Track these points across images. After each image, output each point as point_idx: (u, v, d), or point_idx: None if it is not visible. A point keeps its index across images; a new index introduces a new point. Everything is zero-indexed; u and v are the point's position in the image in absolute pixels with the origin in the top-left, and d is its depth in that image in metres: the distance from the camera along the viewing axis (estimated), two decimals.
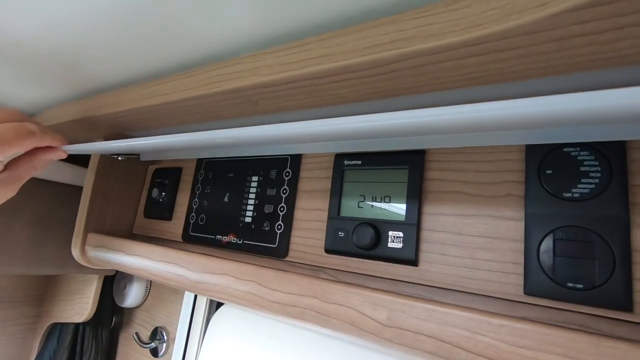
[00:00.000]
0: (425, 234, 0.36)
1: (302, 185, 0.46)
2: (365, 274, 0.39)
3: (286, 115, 0.39)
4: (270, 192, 0.48)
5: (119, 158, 0.61)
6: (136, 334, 0.82)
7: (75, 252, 0.59)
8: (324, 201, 0.43)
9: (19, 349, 0.81)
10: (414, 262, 0.35)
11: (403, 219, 0.36)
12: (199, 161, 0.58)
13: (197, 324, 0.73)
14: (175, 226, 0.59)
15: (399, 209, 0.37)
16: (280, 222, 0.46)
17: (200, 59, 0.38)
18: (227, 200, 0.52)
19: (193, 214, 0.56)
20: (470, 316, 0.25)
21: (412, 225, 0.36)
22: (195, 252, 0.44)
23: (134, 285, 0.85)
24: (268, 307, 0.36)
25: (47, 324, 0.84)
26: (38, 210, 0.66)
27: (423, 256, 0.35)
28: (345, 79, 0.28)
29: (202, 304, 0.74)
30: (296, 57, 0.29)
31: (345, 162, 0.42)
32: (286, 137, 0.35)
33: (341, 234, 0.40)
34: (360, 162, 0.41)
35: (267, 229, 0.47)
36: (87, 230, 0.59)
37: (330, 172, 0.43)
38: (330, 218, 0.41)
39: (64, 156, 0.48)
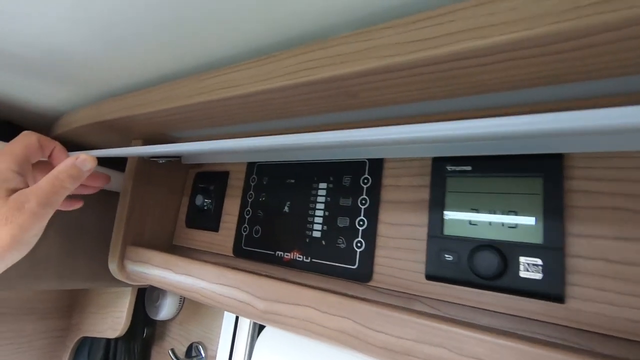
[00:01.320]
0: (573, 262, 0.28)
1: (387, 194, 0.38)
2: (483, 309, 0.31)
3: (387, 110, 0.31)
4: (345, 202, 0.41)
5: (160, 161, 0.55)
6: (172, 350, 0.76)
7: (113, 267, 0.53)
8: (419, 215, 0.35)
9: None
10: (559, 298, 0.27)
11: (540, 241, 0.29)
12: (250, 165, 0.51)
13: (240, 343, 0.66)
14: (224, 238, 0.52)
15: (532, 228, 0.29)
16: (360, 239, 0.38)
17: (286, 40, 0.30)
18: (287, 211, 0.45)
19: (245, 225, 0.49)
20: None
21: (556, 250, 0.28)
22: (261, 275, 0.37)
23: (168, 297, 0.79)
24: (370, 351, 0.28)
25: (77, 338, 0.78)
26: (68, 218, 0.60)
27: (571, 290, 0.27)
28: (507, 59, 0.21)
29: (246, 322, 0.67)
30: (432, 31, 0.22)
31: (449, 168, 0.34)
32: (358, 144, 0.27)
33: (449, 257, 0.32)
34: (469, 167, 0.33)
35: (342, 246, 0.39)
36: (126, 242, 0.53)
37: (425, 180, 0.36)
38: (431, 237, 0.34)
39: (92, 162, 0.41)
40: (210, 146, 0.36)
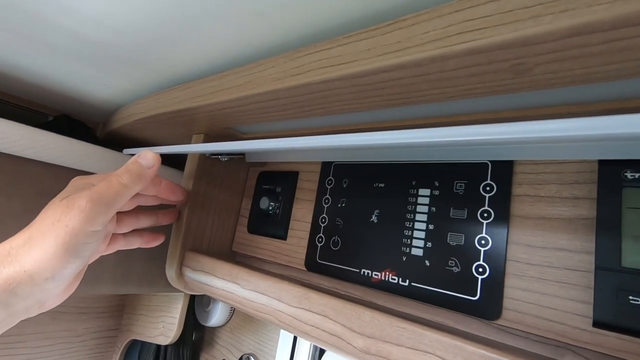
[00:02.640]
0: None
1: (521, 207, 0.29)
2: None
3: (556, 94, 0.23)
4: (457, 214, 0.32)
5: (222, 159, 0.49)
6: None
7: (171, 273, 0.48)
8: (575, 237, 0.26)
9: None
10: None
11: None
12: (326, 165, 0.44)
13: None
14: (293, 248, 0.45)
15: None
16: (482, 263, 0.30)
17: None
18: (376, 221, 0.38)
19: (321, 234, 0.42)
20: None
21: None
22: (360, 303, 0.29)
23: (220, 303, 0.74)
24: None
25: (127, 340, 0.76)
26: None
27: None
28: None
29: (306, 343, 0.61)
30: None
31: (628, 175, 0.25)
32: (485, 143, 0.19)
33: (636, 300, 0.23)
34: None
35: (455, 270, 0.31)
36: (185, 247, 0.48)
37: (585, 190, 0.27)
38: (600, 269, 0.25)
39: (154, 159, 0.37)
40: (296, 143, 0.29)
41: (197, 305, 0.79)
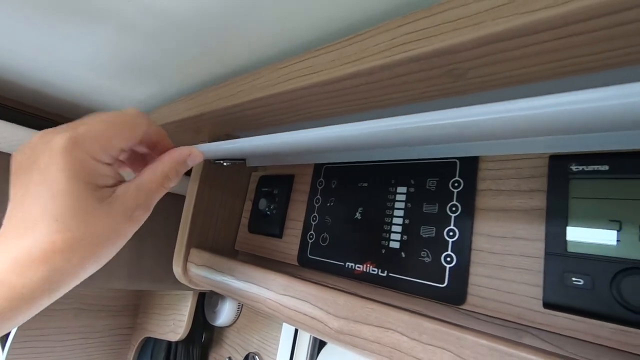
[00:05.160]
0: None
1: (484, 201, 0.32)
2: (632, 353, 0.23)
3: (500, 95, 0.26)
4: (429, 208, 0.35)
5: (224, 164, 0.54)
6: (229, 358, 0.74)
7: (177, 270, 0.52)
8: (531, 226, 0.29)
9: None
10: None
11: None
12: (317, 167, 0.48)
13: (299, 358, 0.62)
14: (288, 245, 0.49)
15: None
16: (450, 253, 0.32)
17: (381, 14, 0.26)
18: (360, 218, 0.41)
19: (312, 232, 0.46)
20: None
21: None
22: (335, 289, 0.32)
23: (227, 303, 0.78)
24: None
25: (141, 338, 0.80)
26: None
27: None
28: None
29: (306, 336, 0.63)
30: None
31: (574, 168, 0.27)
32: (456, 134, 0.22)
33: (578, 281, 0.25)
34: (607, 167, 0.26)
35: (427, 260, 0.34)
36: (190, 245, 0.52)
37: (539, 183, 0.29)
38: (549, 254, 0.27)
39: (201, 159, 0.35)
40: (271, 140, 0.33)
41: (206, 306, 0.83)
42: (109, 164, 0.28)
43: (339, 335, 0.31)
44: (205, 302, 0.83)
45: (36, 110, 0.67)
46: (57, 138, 0.25)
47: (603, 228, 0.25)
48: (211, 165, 0.54)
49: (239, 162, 0.55)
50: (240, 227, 0.58)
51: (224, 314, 0.78)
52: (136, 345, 0.81)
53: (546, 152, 0.29)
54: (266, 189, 0.54)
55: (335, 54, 0.27)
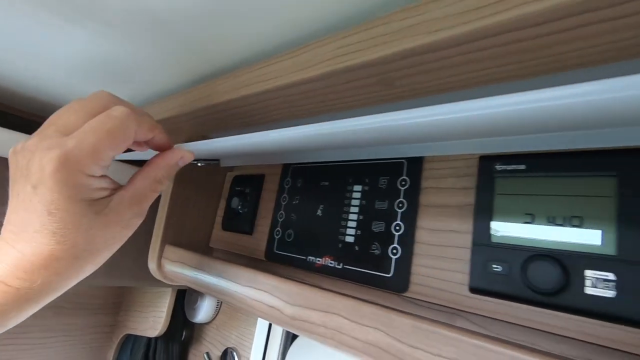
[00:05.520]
0: None
1: (427, 197, 0.35)
2: (541, 330, 0.27)
3: (429, 101, 0.29)
4: (380, 205, 0.38)
5: (199, 164, 0.56)
6: (207, 353, 0.76)
7: (152, 266, 0.54)
8: (464, 220, 0.32)
9: (94, 358, 0.79)
10: (638, 322, 0.23)
11: (613, 252, 0.24)
12: (285, 167, 0.51)
13: (272, 351, 0.65)
14: (257, 242, 0.51)
15: (601, 237, 0.25)
16: (395, 245, 0.35)
17: (325, 27, 0.29)
18: (321, 214, 0.44)
19: (278, 228, 0.48)
20: None
21: (633, 264, 0.23)
22: (292, 280, 0.35)
23: (206, 300, 0.80)
24: None
25: (122, 335, 0.82)
26: None
27: None
28: (583, 24, 0.18)
29: (279, 330, 0.66)
30: None
31: (498, 167, 0.30)
32: (400, 134, 0.25)
33: (497, 267, 0.28)
34: (524, 166, 0.29)
35: (376, 252, 0.37)
36: (165, 242, 0.54)
37: (471, 181, 0.32)
38: (476, 244, 0.30)
39: (192, 158, 0.36)
40: (246, 139, 0.36)
41: (186, 303, 0.85)
42: (102, 176, 0.28)
43: (292, 321, 0.33)
44: (186, 299, 0.85)
45: (12, 110, 0.69)
46: (47, 157, 0.24)
47: (519, 221, 0.28)
48: (186, 165, 0.57)
49: (213, 163, 0.57)
50: (215, 225, 0.60)
51: (203, 311, 0.80)
52: (117, 343, 0.82)
53: (477, 153, 0.32)
54: (239, 188, 0.57)
55: (291, 61, 0.30)
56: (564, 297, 0.25)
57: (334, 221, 0.42)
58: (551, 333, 0.26)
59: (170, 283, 0.56)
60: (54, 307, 0.76)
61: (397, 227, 0.36)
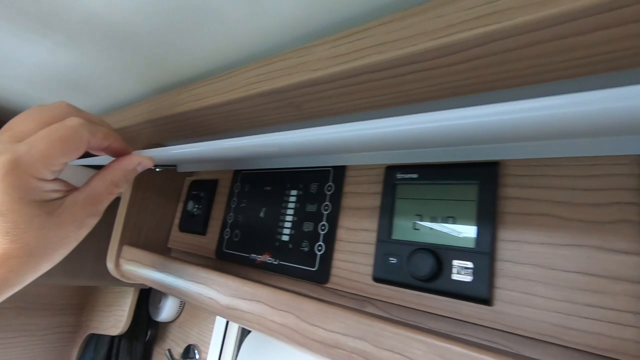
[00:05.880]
0: (502, 266, 0.29)
1: (347, 201, 0.40)
2: (424, 311, 0.32)
3: (336, 121, 0.34)
4: (311, 208, 0.43)
5: (156, 169, 0.60)
6: (168, 350, 0.79)
7: (110, 265, 0.57)
8: (373, 221, 0.37)
9: (57, 358, 0.81)
10: (487, 301, 0.28)
11: (472, 245, 0.30)
12: (236, 173, 0.55)
13: (229, 346, 0.69)
14: (210, 241, 0.55)
15: (466, 233, 0.30)
16: (320, 243, 0.41)
17: (244, 57, 0.34)
18: (263, 216, 0.48)
19: (227, 229, 0.53)
20: None
21: (484, 255, 0.29)
22: (228, 274, 0.39)
23: (169, 299, 0.83)
24: (307, 345, 0.30)
25: (85, 334, 0.84)
26: None
27: (500, 294, 0.28)
28: (413, 70, 0.23)
29: (235, 326, 0.70)
30: (352, 46, 0.24)
31: (398, 176, 0.36)
32: (323, 145, 0.30)
33: (393, 260, 0.34)
34: (416, 175, 0.35)
35: (306, 249, 0.42)
36: (123, 242, 0.58)
37: (379, 187, 0.38)
38: (379, 241, 0.35)
39: (152, 164, 0.39)
40: (199, 147, 0.40)
41: (150, 303, 0.88)
42: (53, 179, 0.29)
43: (226, 310, 0.38)
44: (150, 299, 0.88)
45: None
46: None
47: (411, 220, 0.34)
48: (145, 171, 0.60)
49: (170, 168, 0.61)
50: (173, 227, 0.64)
51: (166, 310, 0.83)
52: (80, 342, 0.84)
53: (384, 163, 0.38)
54: (195, 192, 0.61)
55: (216, 85, 0.35)
56: (438, 282, 0.31)
57: (273, 222, 0.46)
58: (431, 313, 0.31)
59: (128, 281, 0.59)
60: (16, 308, 0.78)
61: (323, 227, 0.41)
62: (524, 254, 0.28)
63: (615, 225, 0.25)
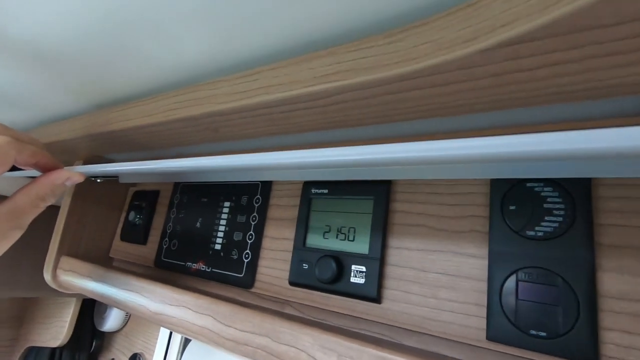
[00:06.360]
0: (389, 270, 0.34)
1: (272, 212, 0.44)
2: (329, 310, 0.37)
3: (251, 142, 0.38)
4: (241, 219, 0.47)
5: (97, 180, 0.61)
6: (112, 359, 0.79)
7: (47, 276, 0.58)
8: (292, 230, 0.41)
9: None
10: (376, 300, 0.33)
11: (367, 252, 0.35)
12: (176, 185, 0.58)
13: (172, 354, 0.70)
14: (150, 251, 0.57)
15: (363, 241, 0.35)
16: (248, 251, 0.44)
17: (164, 85, 0.37)
18: (199, 226, 0.51)
19: (166, 238, 0.55)
20: None
21: (375, 260, 0.34)
22: (157, 282, 0.42)
23: (114, 309, 0.83)
24: (223, 344, 0.34)
25: (24, 348, 0.81)
26: None
27: (386, 293, 0.33)
28: (297, 108, 0.28)
29: (177, 335, 0.71)
30: (248, 85, 0.29)
31: (313, 191, 0.40)
32: (251, 167, 0.34)
33: (305, 265, 0.38)
34: (327, 190, 0.39)
35: (235, 257, 0.45)
36: (60, 253, 0.58)
37: (297, 200, 0.42)
38: (295, 248, 0.40)
39: (81, 179, 0.40)
40: (132, 166, 0.42)
41: (95, 313, 0.87)
42: None
43: (155, 315, 0.40)
44: (95, 309, 0.87)
45: None
46: None
47: (321, 230, 0.38)
48: (85, 181, 0.61)
49: (112, 179, 0.63)
50: (115, 237, 0.65)
51: (112, 319, 0.83)
52: (18, 356, 0.82)
53: (303, 180, 0.42)
54: (137, 203, 0.62)
55: (139, 109, 0.38)
56: (339, 285, 0.35)
57: (208, 232, 0.50)
58: (334, 311, 0.36)
59: (66, 292, 0.60)
60: None
61: (250, 237, 0.45)
62: (404, 258, 0.33)
63: (468, 234, 0.31)
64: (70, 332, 0.74)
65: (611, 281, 0.25)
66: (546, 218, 0.27)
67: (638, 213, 0.25)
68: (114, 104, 0.43)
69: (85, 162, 0.62)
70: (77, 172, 0.41)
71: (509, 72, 0.18)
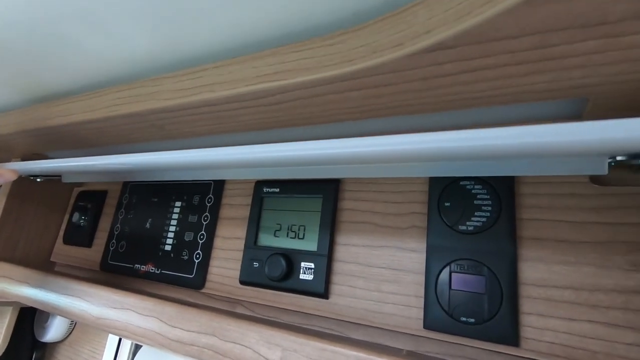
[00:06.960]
0: (336, 266, 0.35)
1: (224, 212, 0.44)
2: (279, 307, 0.37)
3: (200, 140, 0.37)
4: (192, 219, 0.46)
5: (37, 179, 0.57)
6: None
7: None
8: (244, 229, 0.41)
9: None
10: (324, 295, 0.34)
11: (315, 249, 0.35)
12: (125, 184, 0.55)
13: None
14: (95, 254, 0.55)
15: (312, 239, 0.36)
16: (199, 251, 0.43)
17: (107, 80, 0.36)
18: (149, 227, 0.49)
19: (114, 240, 0.52)
20: (356, 355, 0.24)
21: (323, 256, 0.35)
22: (98, 285, 0.40)
23: (57, 318, 0.77)
24: (169, 345, 0.33)
25: None
26: None
27: (334, 288, 0.34)
28: (241, 107, 0.28)
29: (127, 342, 0.68)
30: (192, 83, 0.29)
31: (265, 190, 0.41)
32: (199, 163, 0.33)
33: (256, 264, 0.38)
34: (278, 189, 0.40)
35: (185, 258, 0.44)
36: None
37: (250, 200, 0.42)
38: (246, 247, 0.40)
39: (15, 177, 0.38)
40: (55, 165, 0.40)
41: (36, 323, 0.81)
42: None
43: (97, 320, 0.39)
44: (36, 318, 0.81)
45: None
46: None
47: (272, 229, 0.39)
48: (24, 180, 0.57)
49: (54, 178, 0.59)
50: (58, 240, 0.61)
51: (54, 329, 0.77)
52: None
53: (255, 178, 0.42)
54: (82, 203, 0.59)
55: (81, 104, 0.36)
56: (289, 282, 0.36)
57: (157, 233, 0.48)
58: (285, 309, 0.36)
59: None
60: None
61: (202, 237, 0.44)
62: (351, 254, 0.34)
63: (409, 230, 0.32)
64: (6, 344, 0.68)
65: (530, 270, 0.27)
66: (476, 213, 0.29)
67: (554, 208, 0.28)
68: (54, 98, 0.41)
69: (23, 160, 0.58)
70: (8, 169, 0.39)
71: (435, 76, 0.20)
